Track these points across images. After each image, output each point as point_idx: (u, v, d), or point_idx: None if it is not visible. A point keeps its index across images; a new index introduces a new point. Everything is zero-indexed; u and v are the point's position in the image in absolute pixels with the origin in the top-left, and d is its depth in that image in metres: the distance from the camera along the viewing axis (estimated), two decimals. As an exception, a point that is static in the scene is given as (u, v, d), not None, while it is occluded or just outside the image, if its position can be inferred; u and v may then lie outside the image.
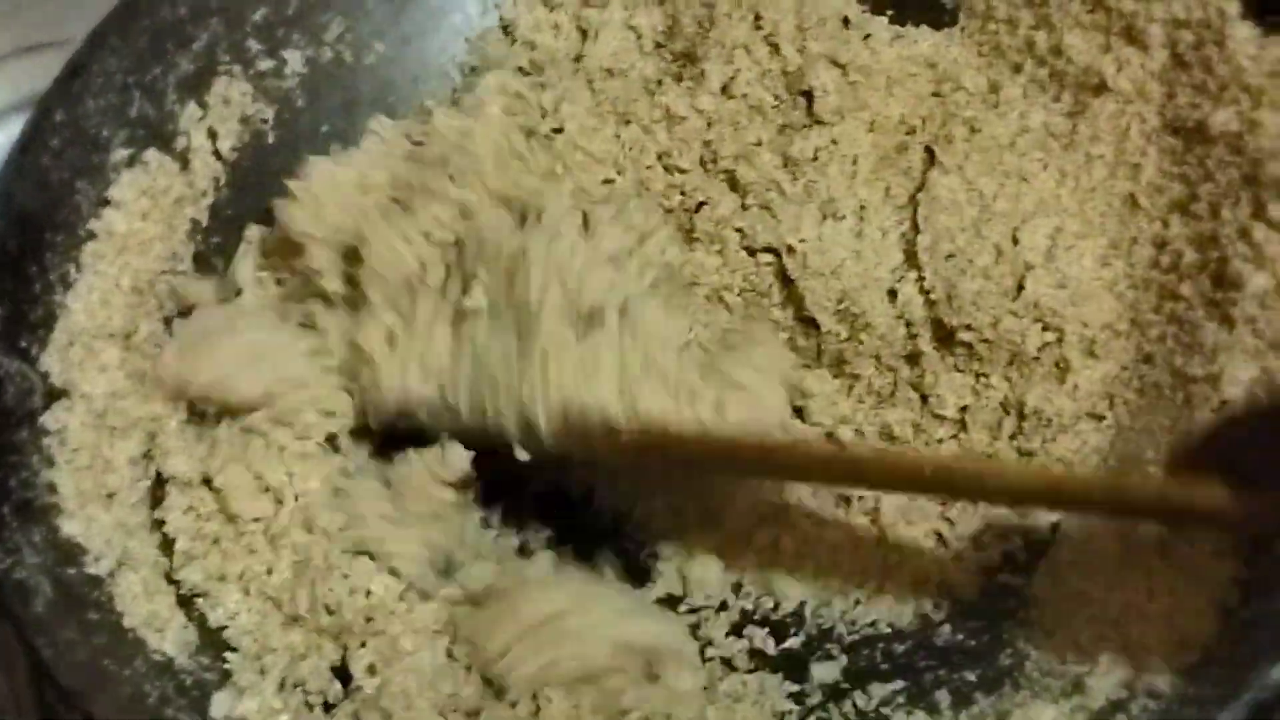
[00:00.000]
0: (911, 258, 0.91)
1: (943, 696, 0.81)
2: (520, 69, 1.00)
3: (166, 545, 0.84)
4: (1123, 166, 0.89)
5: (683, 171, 0.94)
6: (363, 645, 0.82)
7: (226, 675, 0.81)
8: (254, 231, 0.94)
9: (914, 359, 0.90)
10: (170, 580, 0.83)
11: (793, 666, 0.86)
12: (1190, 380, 0.82)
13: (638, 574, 0.90)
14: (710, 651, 0.86)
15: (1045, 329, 0.88)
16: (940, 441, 0.89)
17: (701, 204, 0.94)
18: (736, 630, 0.88)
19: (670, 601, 0.89)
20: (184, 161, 0.94)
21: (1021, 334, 0.87)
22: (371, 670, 0.81)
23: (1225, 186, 0.84)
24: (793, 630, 0.87)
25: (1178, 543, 0.77)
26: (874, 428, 0.91)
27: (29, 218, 0.87)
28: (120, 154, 0.91)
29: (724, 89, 0.94)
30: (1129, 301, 0.87)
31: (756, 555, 0.89)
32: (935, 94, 0.95)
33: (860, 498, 0.88)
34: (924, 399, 0.90)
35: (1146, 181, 0.88)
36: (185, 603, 0.83)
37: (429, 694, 0.80)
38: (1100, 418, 0.86)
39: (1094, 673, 0.75)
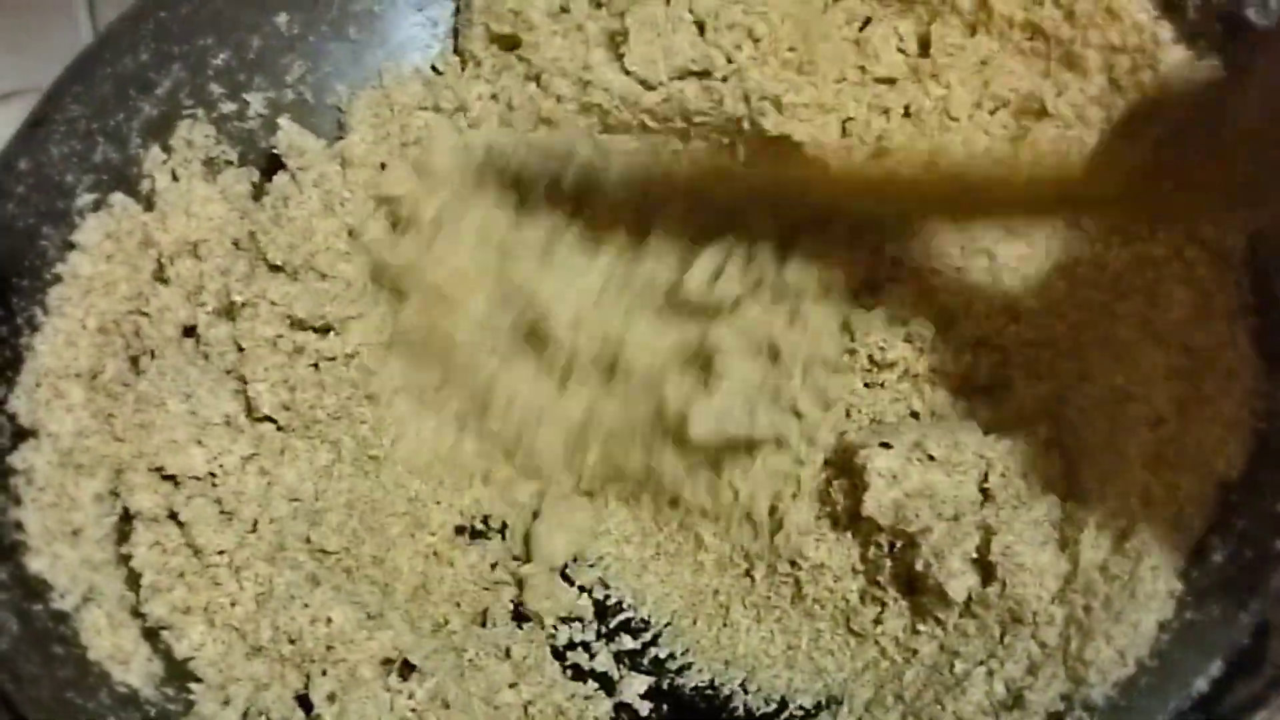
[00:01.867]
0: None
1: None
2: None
3: (133, 580, 0.86)
4: (1064, 189, 0.90)
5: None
6: (324, 674, 0.84)
7: (190, 706, 0.82)
8: None
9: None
10: (136, 614, 0.85)
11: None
12: (1128, 398, 0.84)
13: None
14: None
15: (989, 350, 0.90)
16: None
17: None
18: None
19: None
20: (148, 204, 0.96)
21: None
22: (331, 698, 0.83)
23: (1160, 208, 0.85)
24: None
25: (1117, 559, 0.79)
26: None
27: (-5, 264, 0.90)
28: (85, 199, 0.93)
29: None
30: (1071, 321, 0.89)
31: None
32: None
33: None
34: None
35: (1088, 203, 0.90)
36: (150, 635, 0.85)
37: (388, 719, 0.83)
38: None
39: (1034, 686, 0.77)
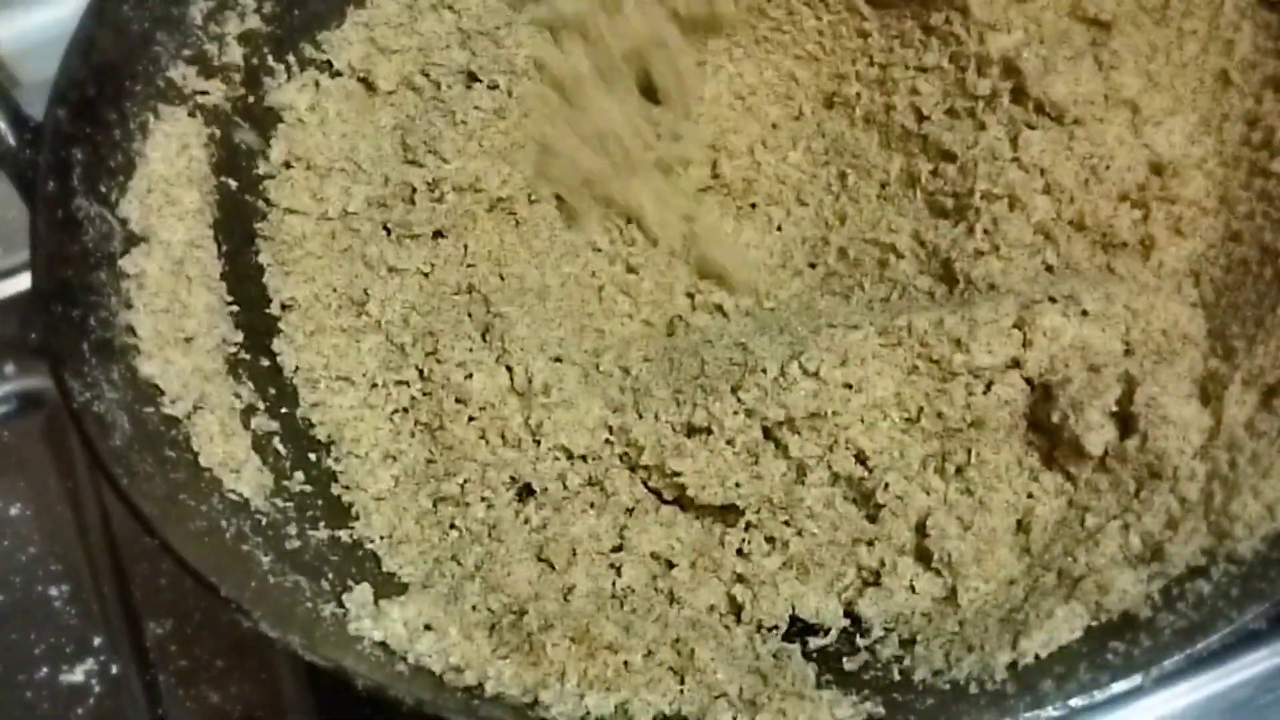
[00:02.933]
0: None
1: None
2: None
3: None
4: (1216, 42, 0.87)
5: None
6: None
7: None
8: None
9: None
10: (247, 425, 0.84)
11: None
12: (1279, 256, 0.81)
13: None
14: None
15: (1132, 206, 0.86)
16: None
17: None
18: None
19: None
20: (266, 18, 0.94)
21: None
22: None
23: (1320, 62, 0.82)
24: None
25: (1264, 416, 0.76)
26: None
27: (109, 65, 0.87)
28: (201, 6, 0.91)
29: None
30: (1218, 179, 0.85)
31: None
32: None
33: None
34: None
35: (1240, 58, 0.86)
36: (260, 448, 0.84)
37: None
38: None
39: (1174, 540, 0.74)
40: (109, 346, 0.80)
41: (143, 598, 0.95)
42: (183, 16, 0.90)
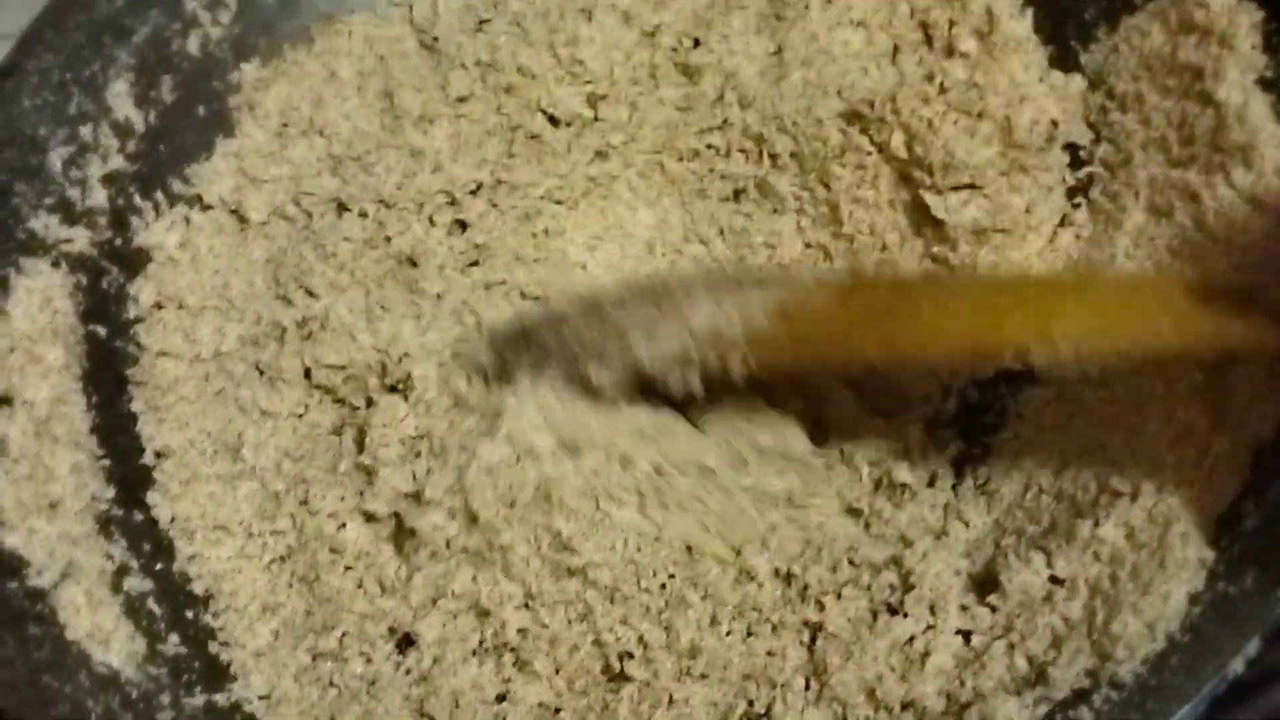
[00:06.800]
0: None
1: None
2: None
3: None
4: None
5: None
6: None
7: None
8: None
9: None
10: (117, 590, 0.82)
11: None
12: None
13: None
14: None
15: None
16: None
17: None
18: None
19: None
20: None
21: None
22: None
23: None
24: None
25: (1145, 527, 0.75)
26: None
27: (-36, 221, 0.86)
28: (60, 153, 0.89)
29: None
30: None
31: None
32: None
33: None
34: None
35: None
36: (132, 612, 0.82)
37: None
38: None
39: (1058, 661, 0.73)
40: (-32, 521, 0.79)
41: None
42: (42, 165, 0.89)
